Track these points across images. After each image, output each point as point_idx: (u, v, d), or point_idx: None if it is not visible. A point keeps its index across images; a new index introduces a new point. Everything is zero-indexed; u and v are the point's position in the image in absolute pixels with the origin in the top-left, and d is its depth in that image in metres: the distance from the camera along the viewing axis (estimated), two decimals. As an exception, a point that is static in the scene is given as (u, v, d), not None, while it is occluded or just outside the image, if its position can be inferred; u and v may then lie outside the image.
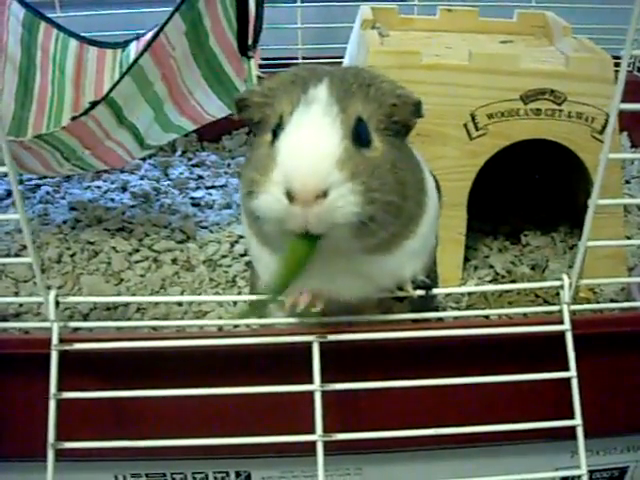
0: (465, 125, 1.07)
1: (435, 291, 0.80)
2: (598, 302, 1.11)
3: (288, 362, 0.74)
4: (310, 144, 0.62)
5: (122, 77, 1.06)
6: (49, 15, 1.42)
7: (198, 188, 1.44)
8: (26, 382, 0.78)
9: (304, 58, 1.61)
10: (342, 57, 1.35)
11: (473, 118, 1.06)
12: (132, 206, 1.34)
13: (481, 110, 1.06)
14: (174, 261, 1.20)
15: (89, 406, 0.76)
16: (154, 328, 0.97)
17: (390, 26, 1.30)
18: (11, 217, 0.73)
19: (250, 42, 1.13)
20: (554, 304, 0.81)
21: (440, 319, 0.84)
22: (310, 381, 0.73)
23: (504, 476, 0.76)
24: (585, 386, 0.76)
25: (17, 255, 1.19)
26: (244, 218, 0.78)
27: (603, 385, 0.83)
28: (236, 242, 1.24)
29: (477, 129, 1.07)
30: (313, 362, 0.74)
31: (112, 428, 0.80)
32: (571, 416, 0.76)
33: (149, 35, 1.20)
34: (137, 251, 1.21)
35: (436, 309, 0.99)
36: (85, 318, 1.07)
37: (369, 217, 0.63)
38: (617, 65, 0.70)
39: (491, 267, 1.19)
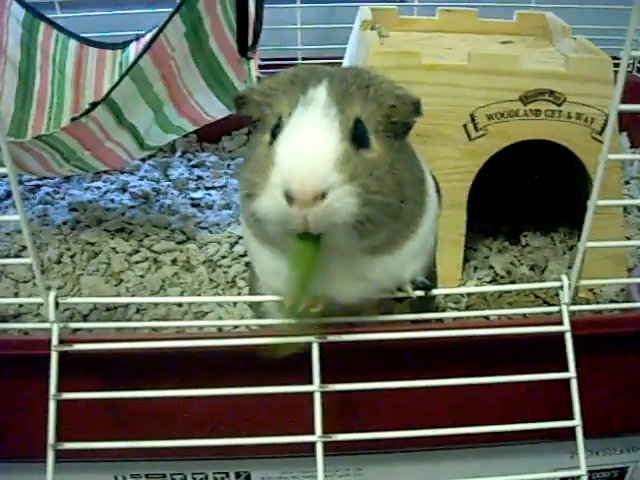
0: (465, 126, 1.07)
1: (435, 292, 0.80)
2: (598, 303, 1.11)
3: (288, 363, 0.74)
4: (309, 145, 0.62)
5: (122, 78, 1.06)
6: (49, 16, 1.42)
7: (198, 189, 1.44)
8: (26, 383, 0.78)
9: (304, 59, 1.61)
10: (342, 58, 1.34)
11: (473, 119, 1.06)
12: (132, 207, 1.34)
13: (481, 111, 1.06)
14: (174, 262, 1.20)
15: (89, 407, 0.77)
16: (154, 329, 0.97)
17: (390, 27, 1.30)
18: (11, 218, 0.73)
19: (250, 43, 1.13)
20: (554, 305, 0.81)
21: (440, 320, 0.84)
22: (310, 382, 0.73)
23: (504, 476, 0.76)
24: (584, 387, 0.76)
25: (17, 256, 1.19)
26: (243, 219, 0.78)
27: (602, 386, 0.83)
28: (236, 243, 1.24)
29: (477, 130, 1.07)
30: (313, 363, 0.74)
31: (112, 429, 0.80)
32: (570, 417, 0.76)
33: (149, 36, 1.21)
34: (137, 252, 1.21)
35: (436, 310, 0.99)
36: (85, 319, 1.07)
37: (366, 218, 0.63)
38: (617, 66, 0.70)
39: (491, 267, 1.19)
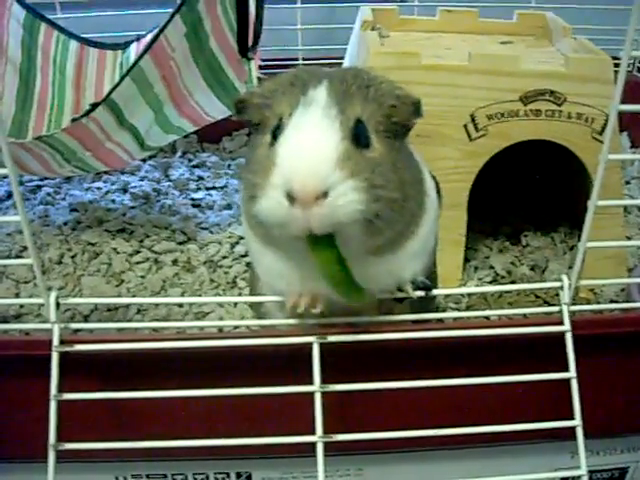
0: (465, 126, 1.07)
1: (435, 292, 0.80)
2: (598, 303, 1.11)
3: (288, 363, 0.75)
4: (309, 146, 0.62)
5: (122, 79, 1.06)
6: (50, 16, 1.42)
7: (198, 189, 1.44)
8: (27, 383, 0.78)
9: (304, 59, 1.61)
10: (342, 58, 1.35)
11: (473, 119, 1.06)
12: (132, 207, 1.34)
13: (481, 111, 1.06)
14: (174, 262, 1.20)
15: (90, 407, 0.77)
16: (155, 329, 0.98)
17: (390, 27, 1.30)
18: (12, 219, 0.73)
19: (250, 43, 1.13)
20: (554, 305, 0.81)
21: (440, 320, 0.84)
22: (310, 382, 0.73)
23: (504, 476, 0.76)
24: (585, 387, 0.76)
25: (18, 256, 1.20)
26: (244, 220, 0.78)
27: (603, 386, 0.83)
28: (236, 243, 1.24)
29: (477, 130, 1.07)
30: (313, 363, 0.74)
31: (113, 429, 0.80)
32: (571, 417, 0.76)
33: (149, 37, 1.21)
34: (138, 252, 1.21)
35: (436, 310, 0.99)
36: (86, 319, 1.07)
37: (375, 214, 0.63)
38: (617, 66, 0.70)
39: (491, 268, 1.19)
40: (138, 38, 1.40)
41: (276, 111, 0.68)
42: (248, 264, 1.17)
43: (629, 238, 1.25)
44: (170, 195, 1.40)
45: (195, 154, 1.60)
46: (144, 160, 1.51)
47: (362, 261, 0.70)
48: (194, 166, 1.54)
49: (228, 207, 1.36)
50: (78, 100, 1.40)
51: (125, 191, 1.41)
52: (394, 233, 0.68)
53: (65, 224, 1.28)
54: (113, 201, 1.37)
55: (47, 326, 0.75)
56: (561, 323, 0.78)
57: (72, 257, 1.20)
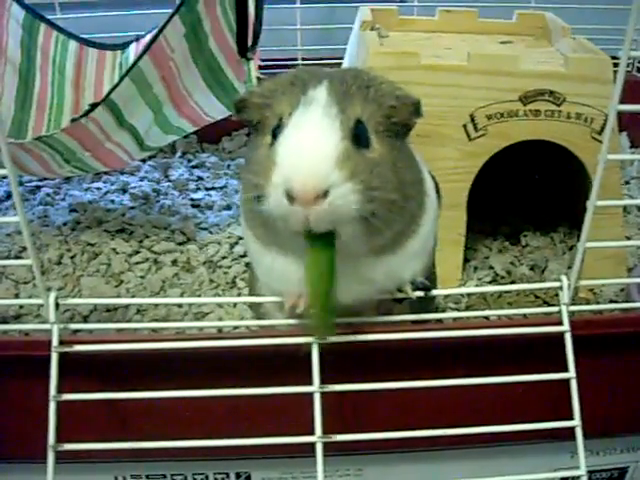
0: (464, 126, 1.07)
1: (434, 292, 0.80)
2: (598, 303, 1.11)
3: (288, 363, 0.74)
4: (309, 145, 0.62)
5: (122, 79, 1.06)
6: (49, 17, 1.42)
7: (198, 189, 1.44)
8: (26, 384, 0.78)
9: (304, 59, 1.61)
10: (342, 58, 1.35)
11: (472, 119, 1.06)
12: (132, 207, 1.34)
13: (480, 111, 1.06)
14: (174, 262, 1.20)
15: (89, 408, 0.77)
16: (154, 330, 0.98)
17: (389, 27, 1.30)
18: (11, 219, 0.73)
19: (249, 43, 1.13)
20: (554, 305, 0.81)
21: (439, 320, 0.84)
22: (309, 382, 0.73)
23: (504, 476, 0.76)
24: (584, 387, 0.76)
25: (17, 257, 1.19)
26: (243, 220, 0.78)
27: (602, 386, 0.83)
28: (236, 243, 1.24)
29: (476, 130, 1.07)
30: (312, 363, 0.74)
31: (112, 429, 0.80)
32: (570, 417, 0.76)
33: (148, 37, 1.21)
34: (137, 252, 1.21)
35: (436, 310, 0.99)
36: (85, 320, 1.07)
37: (371, 214, 0.63)
38: (616, 66, 0.70)
39: (491, 268, 1.19)
40: (137, 38, 1.40)
41: (276, 111, 0.68)
42: (247, 264, 1.17)
43: (628, 238, 1.25)
44: (169, 195, 1.40)
45: (195, 154, 1.60)
46: (144, 160, 1.51)
47: (362, 261, 0.70)
48: (194, 166, 1.54)
49: (227, 207, 1.36)
50: (77, 100, 1.40)
51: (124, 191, 1.41)
52: (393, 233, 0.68)
53: (64, 224, 1.28)
54: (112, 201, 1.37)
55: (46, 327, 0.75)
56: (560, 323, 0.78)
57: (71, 257, 1.20)
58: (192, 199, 1.39)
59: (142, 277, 1.17)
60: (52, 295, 0.74)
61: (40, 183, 1.45)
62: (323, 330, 0.70)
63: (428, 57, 1.08)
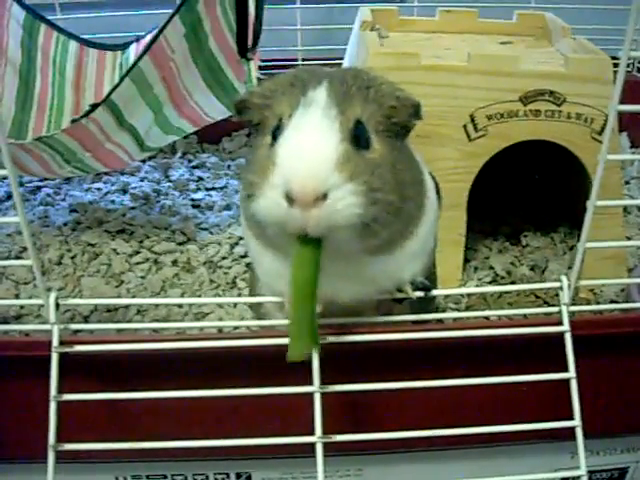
0: (464, 126, 1.07)
1: (434, 292, 0.80)
2: (598, 303, 1.11)
3: (288, 364, 0.74)
4: (309, 146, 0.62)
5: (122, 79, 1.06)
6: (49, 17, 1.42)
7: (198, 190, 1.44)
8: (27, 384, 0.78)
9: (304, 60, 1.61)
10: (342, 58, 1.34)
11: (472, 119, 1.06)
12: (132, 208, 1.34)
13: (480, 111, 1.06)
14: (174, 263, 1.20)
15: (89, 408, 0.77)
16: (154, 330, 0.98)
17: (389, 27, 1.30)
18: (11, 220, 0.73)
19: (250, 44, 1.13)
20: (554, 305, 0.81)
21: (440, 320, 0.84)
22: (310, 382, 0.73)
23: (504, 477, 0.76)
24: (584, 387, 0.76)
25: (18, 257, 1.20)
26: (243, 220, 0.78)
27: (602, 386, 0.83)
28: (236, 244, 1.24)
29: (476, 130, 1.07)
30: (313, 363, 0.74)
31: (112, 430, 0.80)
32: (570, 417, 0.76)
33: (149, 37, 1.21)
34: (137, 253, 1.21)
35: (436, 310, 0.99)
36: (85, 320, 1.07)
37: (372, 218, 0.63)
38: (616, 66, 0.70)
39: (491, 268, 1.19)
40: (137, 39, 1.40)
41: (276, 111, 0.68)
42: (248, 265, 1.17)
43: (629, 238, 1.25)
44: (170, 196, 1.40)
45: (195, 155, 1.60)
46: (144, 161, 1.51)
47: (358, 261, 0.70)
48: (194, 167, 1.54)
49: (228, 208, 1.36)
50: (78, 101, 1.40)
51: (125, 192, 1.41)
52: (389, 235, 0.68)
53: (65, 225, 1.29)
54: (113, 202, 1.37)
55: (47, 327, 0.75)
56: (560, 323, 0.78)
57: (72, 258, 1.20)
58: (192, 199, 1.39)
59: (142, 277, 1.17)
60: (52, 295, 0.74)
61: (40, 183, 1.45)
62: (305, 342, 0.65)
63: (428, 57, 1.08)
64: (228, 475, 0.88)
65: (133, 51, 1.40)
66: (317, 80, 0.67)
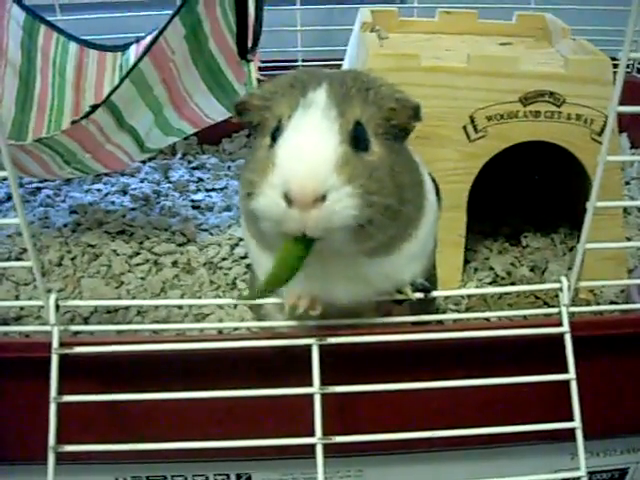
0: (464, 127, 1.07)
1: (434, 293, 0.80)
2: (598, 304, 1.11)
3: (288, 365, 0.75)
4: (308, 148, 0.62)
5: (122, 81, 1.06)
6: (49, 18, 1.42)
7: (198, 191, 1.44)
8: (27, 385, 0.78)
9: (304, 61, 1.61)
10: (342, 60, 1.35)
11: (472, 120, 1.06)
12: (132, 209, 1.34)
13: (480, 112, 1.06)
14: (174, 264, 1.20)
15: (89, 409, 0.77)
16: (154, 331, 0.98)
17: (389, 28, 1.30)
18: (11, 221, 0.73)
19: (250, 45, 1.13)
20: (554, 306, 0.81)
21: (440, 321, 0.84)
22: (310, 384, 0.73)
23: (504, 478, 0.76)
24: (584, 388, 0.76)
25: (18, 258, 1.19)
26: (243, 221, 0.78)
27: (602, 387, 0.83)
28: (236, 245, 1.24)
29: (476, 131, 1.07)
30: (313, 365, 0.74)
31: (112, 431, 0.80)
32: (570, 418, 0.76)
33: (149, 39, 1.21)
34: (137, 254, 1.21)
35: (436, 311, 0.99)
36: (86, 321, 1.07)
37: (367, 220, 0.63)
38: (616, 67, 0.70)
39: (491, 269, 1.19)
40: (137, 40, 1.40)
41: (275, 113, 0.68)
42: (248, 266, 1.17)
43: (629, 239, 1.25)
44: (170, 197, 1.40)
45: (195, 156, 1.60)
46: (144, 162, 1.51)
47: (356, 262, 0.70)
48: (194, 168, 1.54)
49: (228, 209, 1.36)
50: (78, 102, 1.40)
51: (125, 193, 1.41)
52: (386, 237, 0.68)
53: (65, 226, 1.29)
54: (113, 203, 1.37)
55: (47, 328, 0.75)
56: (560, 324, 0.78)
57: (72, 259, 1.20)
58: (192, 200, 1.39)
59: (142, 278, 1.17)
60: (52, 297, 0.74)
61: (40, 185, 1.45)
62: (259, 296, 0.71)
63: (428, 58, 1.08)
64: (228, 476, 0.88)
65: (133, 52, 1.40)
66: (317, 81, 0.68)
